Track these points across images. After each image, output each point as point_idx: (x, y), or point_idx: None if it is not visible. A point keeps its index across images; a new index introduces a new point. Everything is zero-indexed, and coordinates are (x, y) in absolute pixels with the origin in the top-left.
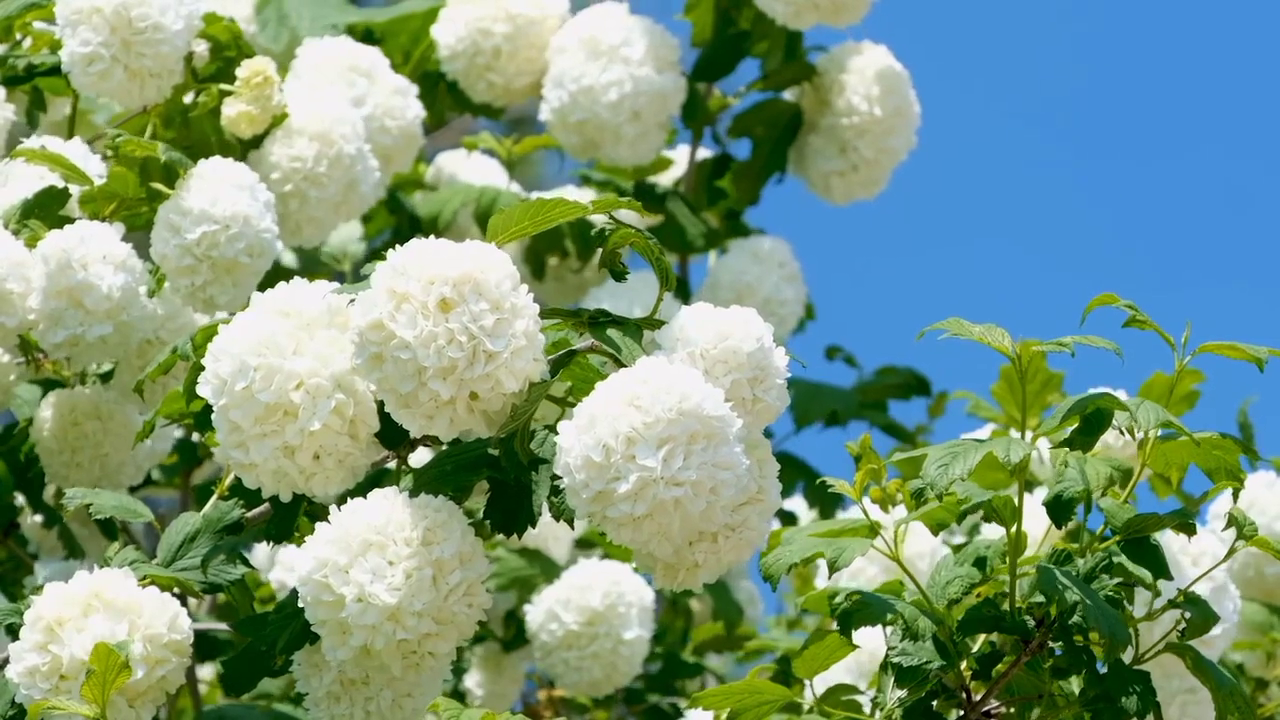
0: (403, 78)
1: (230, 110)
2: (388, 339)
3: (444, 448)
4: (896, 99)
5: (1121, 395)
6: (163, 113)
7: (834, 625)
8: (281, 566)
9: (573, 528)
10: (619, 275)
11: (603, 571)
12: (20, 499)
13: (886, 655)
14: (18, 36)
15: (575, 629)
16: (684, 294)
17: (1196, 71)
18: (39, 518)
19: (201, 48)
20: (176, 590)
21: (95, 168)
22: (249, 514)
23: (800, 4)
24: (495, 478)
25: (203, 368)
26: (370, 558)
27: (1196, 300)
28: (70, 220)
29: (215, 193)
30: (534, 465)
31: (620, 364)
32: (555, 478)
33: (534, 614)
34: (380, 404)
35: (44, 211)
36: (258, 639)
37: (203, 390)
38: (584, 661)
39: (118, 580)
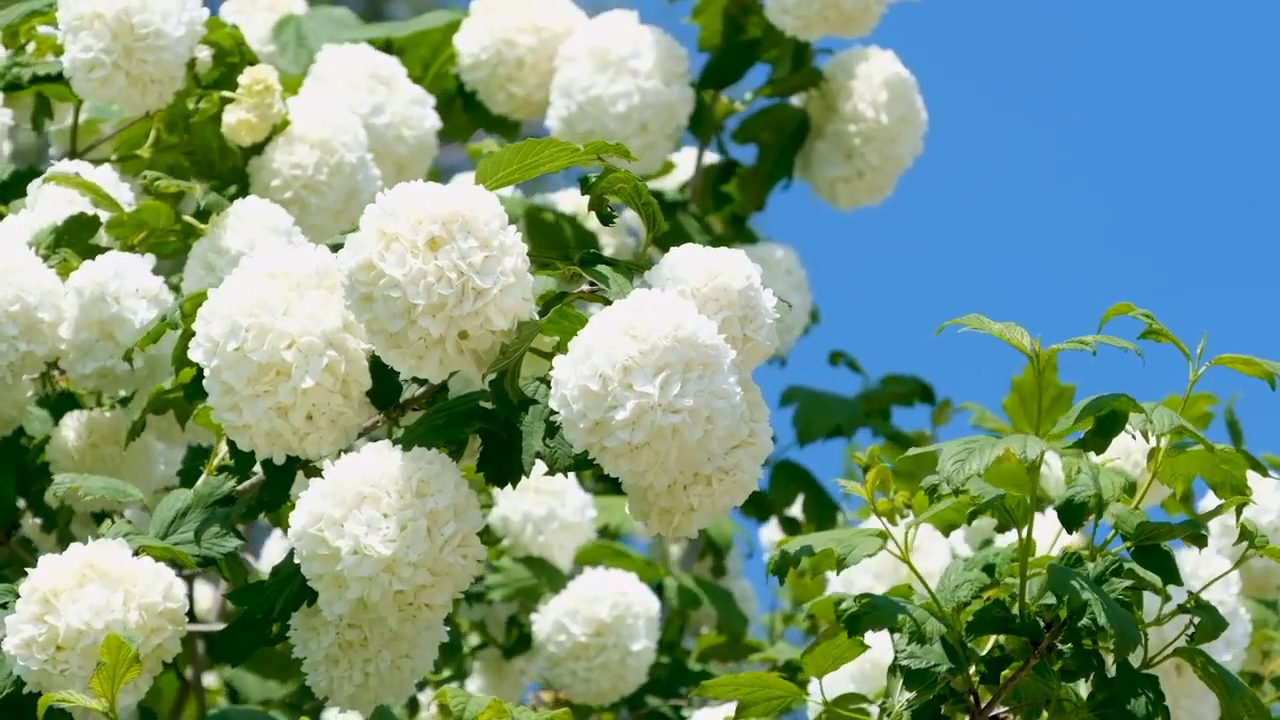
0: (420, 88)
1: (230, 117)
2: (377, 278)
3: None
4: (903, 106)
5: None
6: (166, 118)
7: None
8: None
9: (565, 476)
10: (606, 219)
11: (610, 582)
12: (21, 502)
13: (895, 658)
14: (22, 42)
15: (583, 640)
16: None
17: (1205, 76)
18: (38, 520)
19: (204, 54)
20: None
21: (125, 195)
22: (240, 487)
23: (810, 17)
24: (487, 430)
25: (193, 333)
26: (364, 510)
27: (1202, 303)
28: (99, 248)
29: (252, 235)
30: (525, 406)
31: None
32: (551, 413)
33: (541, 624)
34: (372, 362)
35: (74, 238)
36: (253, 606)
37: (194, 354)
38: (591, 672)
39: (112, 550)
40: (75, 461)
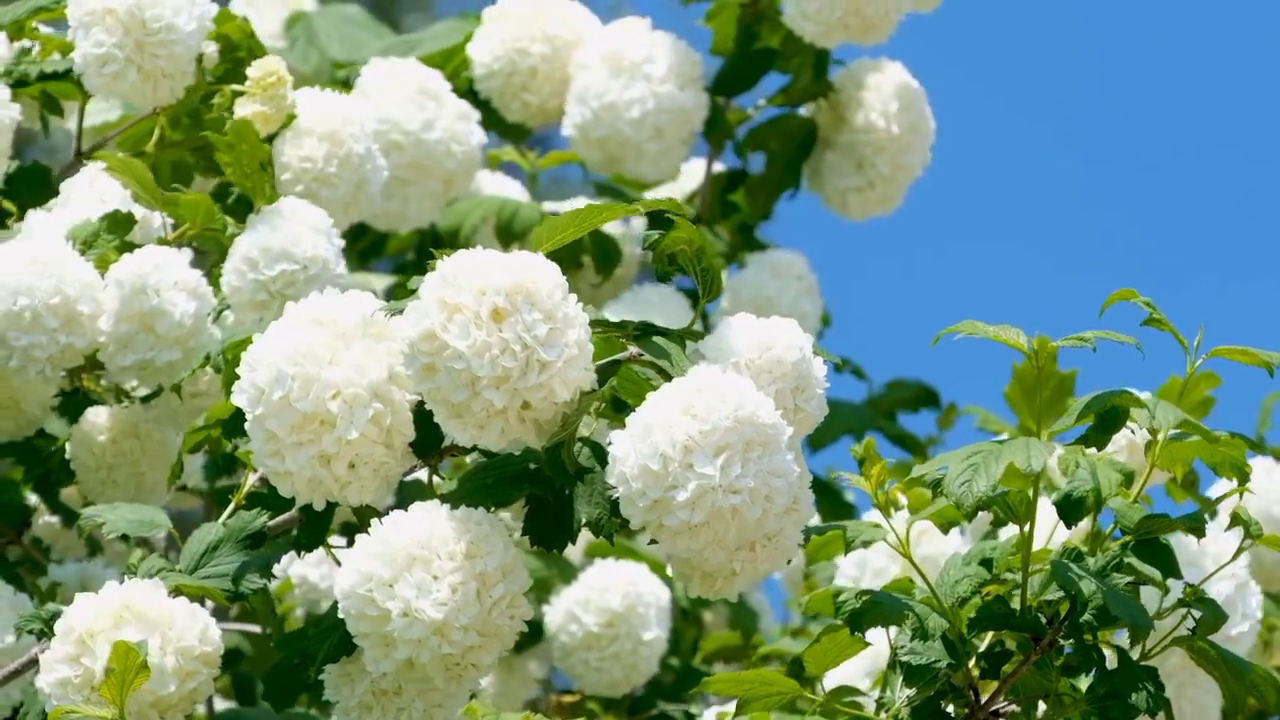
0: (465, 103)
1: (244, 111)
2: (440, 349)
3: (480, 458)
4: (913, 116)
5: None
6: (170, 113)
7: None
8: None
9: (612, 543)
10: (665, 278)
11: (620, 572)
12: (34, 499)
13: (895, 654)
14: (27, 43)
15: (595, 630)
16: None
17: (1207, 78)
18: (51, 518)
19: (211, 48)
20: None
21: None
22: (271, 522)
23: (830, 23)
24: (534, 494)
25: (237, 376)
26: (415, 572)
27: (1207, 303)
28: (135, 244)
29: (296, 233)
30: (580, 476)
31: (665, 374)
32: (607, 487)
33: (552, 615)
34: (417, 413)
35: (111, 235)
36: (290, 653)
37: (238, 399)
38: (604, 662)
39: (148, 592)
40: (97, 457)
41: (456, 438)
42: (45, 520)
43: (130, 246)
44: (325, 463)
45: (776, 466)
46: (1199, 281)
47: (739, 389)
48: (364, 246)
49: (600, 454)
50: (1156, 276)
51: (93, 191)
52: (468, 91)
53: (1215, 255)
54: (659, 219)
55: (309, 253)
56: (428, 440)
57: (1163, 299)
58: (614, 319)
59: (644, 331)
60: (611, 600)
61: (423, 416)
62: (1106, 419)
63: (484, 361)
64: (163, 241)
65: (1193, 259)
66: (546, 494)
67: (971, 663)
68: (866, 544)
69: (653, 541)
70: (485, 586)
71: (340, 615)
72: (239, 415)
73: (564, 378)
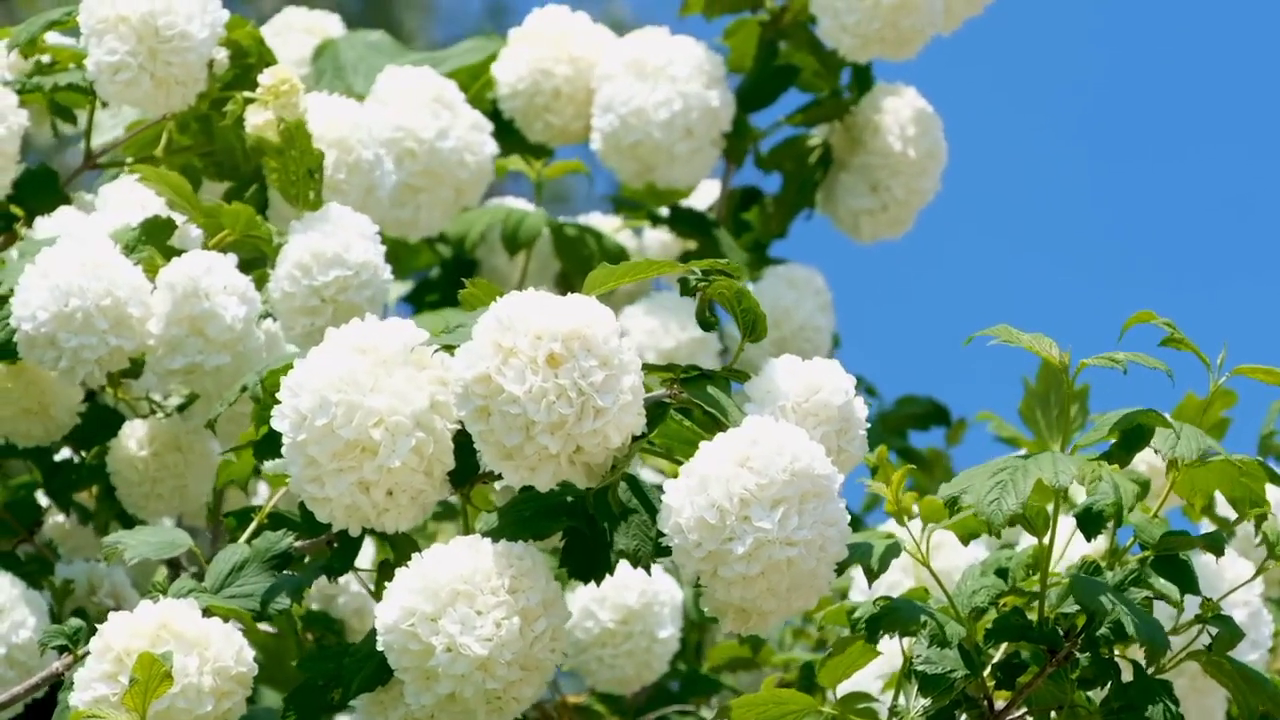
0: (479, 113)
1: (257, 118)
2: (495, 392)
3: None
4: (929, 141)
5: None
6: (178, 119)
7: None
8: None
9: (649, 573)
10: (709, 326)
11: (636, 571)
12: (46, 501)
13: (910, 663)
14: (45, 59)
15: (611, 626)
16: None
17: (1216, 82)
18: (59, 518)
19: (221, 54)
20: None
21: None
22: (298, 544)
23: (868, 36)
24: (572, 527)
25: (276, 401)
26: (459, 608)
27: (1219, 304)
28: (176, 250)
29: (348, 239)
30: (625, 515)
31: (714, 420)
32: (644, 522)
33: None
34: (457, 442)
35: (151, 240)
36: (315, 673)
37: (278, 424)
38: (618, 659)
39: (184, 612)
40: (140, 472)
41: (507, 478)
42: (54, 520)
43: (172, 252)
44: (364, 490)
45: (830, 516)
46: (1210, 291)
47: (794, 440)
48: None
49: (637, 488)
50: (1162, 286)
51: (133, 198)
52: (491, 111)
53: (1216, 261)
54: (706, 275)
55: (360, 258)
56: (465, 469)
57: (1173, 309)
58: (629, 323)
59: (692, 379)
60: (628, 597)
61: (460, 445)
62: (1131, 437)
63: (540, 407)
64: (203, 248)
65: (1203, 270)
66: (584, 526)
67: (986, 673)
68: (886, 565)
69: (698, 585)
70: (528, 621)
71: (380, 648)
72: (271, 435)
73: (618, 424)
